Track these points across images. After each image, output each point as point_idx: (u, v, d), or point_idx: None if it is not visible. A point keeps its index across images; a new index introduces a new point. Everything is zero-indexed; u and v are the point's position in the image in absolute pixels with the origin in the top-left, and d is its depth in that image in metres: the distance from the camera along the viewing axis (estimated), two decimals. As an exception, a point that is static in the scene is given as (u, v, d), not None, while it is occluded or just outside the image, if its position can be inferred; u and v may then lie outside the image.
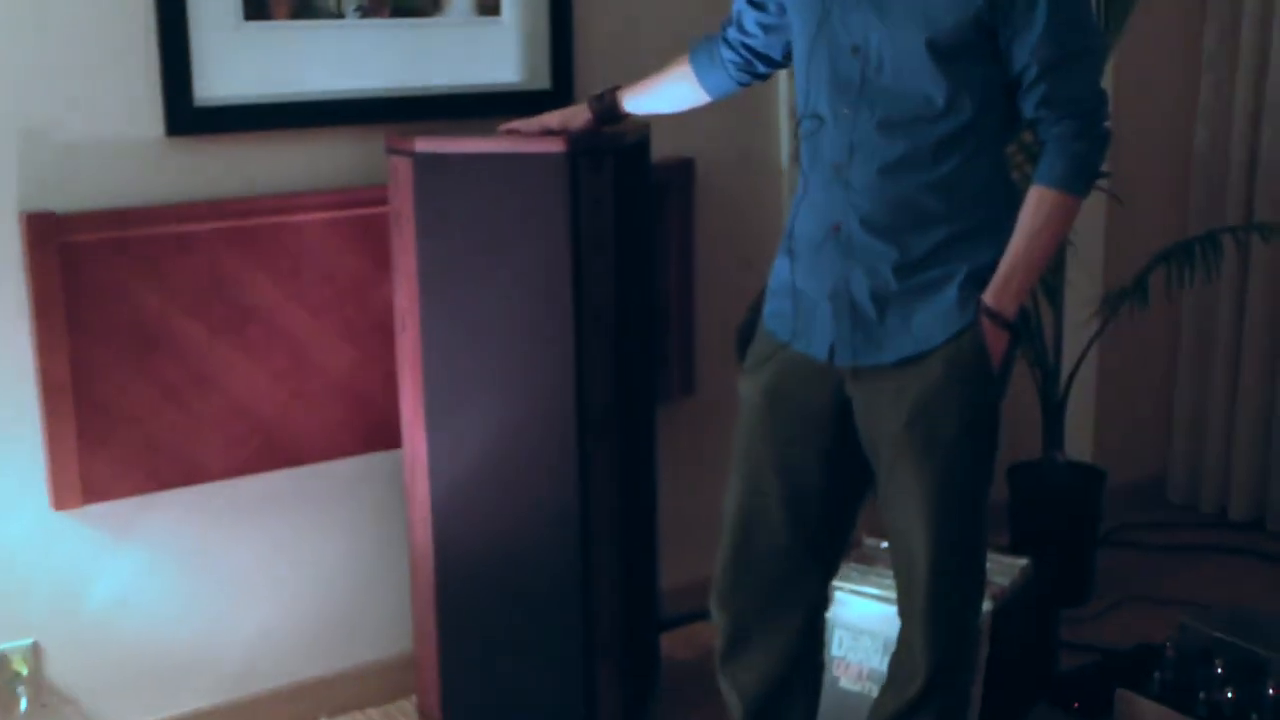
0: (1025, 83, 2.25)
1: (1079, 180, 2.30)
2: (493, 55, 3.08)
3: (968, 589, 2.47)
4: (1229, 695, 2.86)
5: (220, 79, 2.77)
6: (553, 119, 2.76)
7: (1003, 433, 2.46)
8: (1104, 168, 2.46)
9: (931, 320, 2.31)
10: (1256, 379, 4.06)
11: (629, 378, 2.89)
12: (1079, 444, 4.07)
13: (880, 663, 2.80)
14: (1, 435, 2.65)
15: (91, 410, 2.68)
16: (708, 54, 2.62)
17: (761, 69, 2.58)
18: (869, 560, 2.99)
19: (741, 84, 2.65)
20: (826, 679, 2.72)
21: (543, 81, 3.12)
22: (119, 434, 2.72)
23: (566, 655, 2.87)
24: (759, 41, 2.53)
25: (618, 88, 2.75)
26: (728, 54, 2.59)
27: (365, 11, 2.90)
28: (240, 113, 2.80)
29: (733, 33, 2.57)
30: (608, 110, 2.74)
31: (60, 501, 2.68)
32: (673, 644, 3.31)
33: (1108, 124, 2.32)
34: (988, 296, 2.28)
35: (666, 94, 2.72)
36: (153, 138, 2.72)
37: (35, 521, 2.70)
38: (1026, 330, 3.47)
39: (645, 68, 2.90)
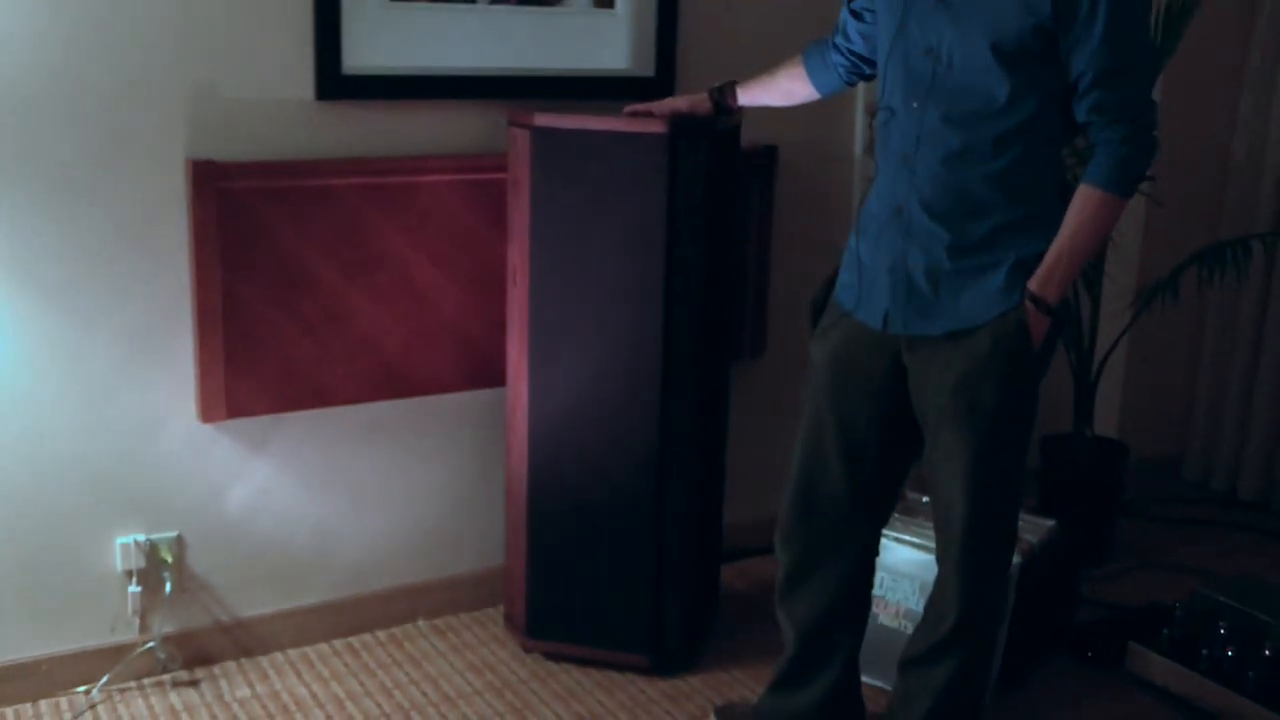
0: (1081, 89, 2.20)
1: (1124, 182, 2.25)
2: (606, 44, 3.06)
3: (999, 545, 2.44)
4: (1229, 654, 2.83)
5: (365, 51, 2.77)
6: (680, 103, 2.74)
7: (1040, 408, 2.42)
8: (1149, 172, 2.41)
9: (979, 299, 2.28)
10: (1272, 373, 4.01)
11: (709, 336, 2.86)
12: (1106, 421, 4.02)
13: (917, 604, 2.81)
14: (158, 355, 2.68)
15: (237, 337, 2.70)
16: (820, 57, 2.60)
17: (867, 70, 2.56)
18: (911, 512, 2.96)
19: (849, 84, 2.63)
20: (869, 614, 2.69)
21: (648, 69, 3.10)
22: (260, 359, 2.74)
23: (638, 579, 2.86)
24: (861, 47, 2.52)
25: (735, 82, 2.72)
26: (837, 58, 2.57)
27: None
28: (381, 82, 2.80)
29: (840, 40, 2.55)
30: (724, 101, 2.72)
31: (207, 415, 2.72)
32: (731, 576, 3.30)
33: (1156, 132, 2.26)
34: (1033, 283, 2.24)
35: (781, 90, 2.70)
36: (304, 100, 2.73)
37: (184, 430, 2.74)
38: (1067, 317, 3.42)
39: (737, 62, 2.90)
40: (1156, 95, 2.31)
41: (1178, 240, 3.86)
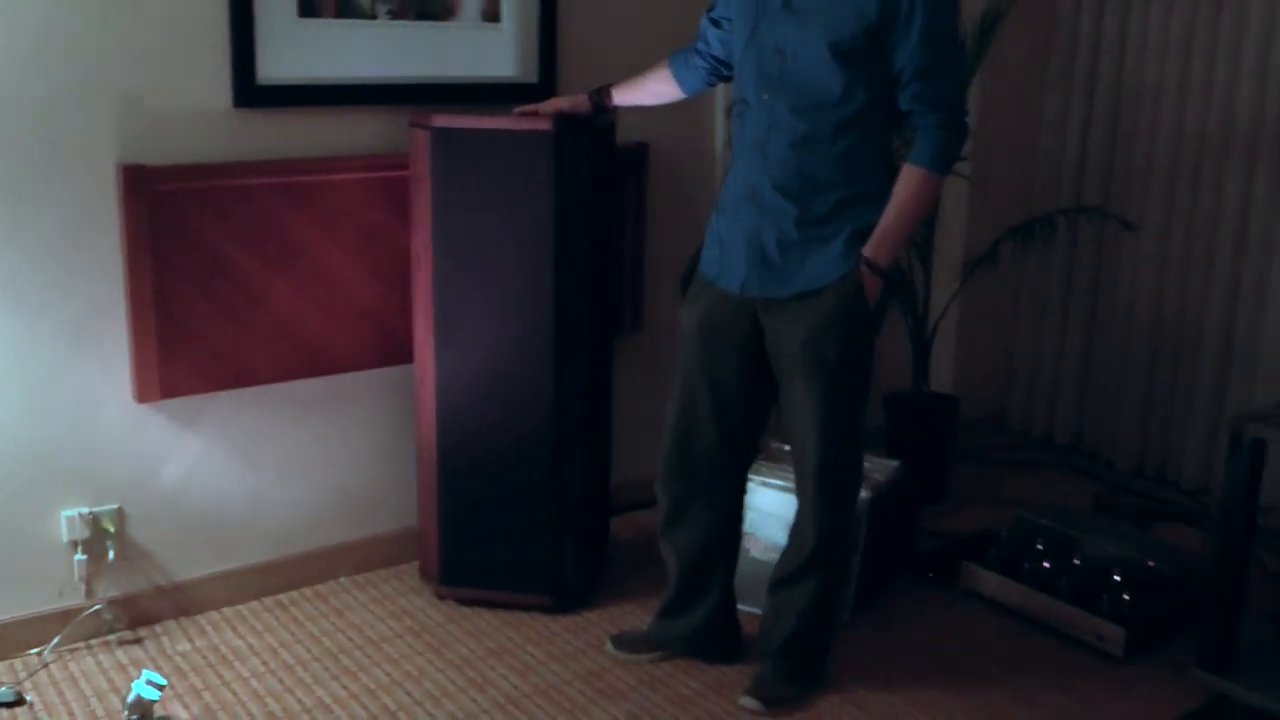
0: (903, 81, 2.33)
1: (941, 162, 2.37)
2: (493, 53, 3.08)
3: (848, 479, 2.56)
4: (1046, 566, 3.02)
5: (278, 63, 2.76)
6: (563, 103, 2.78)
7: (878, 362, 2.53)
8: (963, 154, 2.53)
9: (822, 265, 2.40)
10: (1078, 332, 4.17)
11: (594, 313, 2.91)
12: (941, 379, 4.13)
13: (782, 538, 2.80)
14: (97, 342, 2.67)
15: (168, 324, 2.69)
16: (684, 62, 2.68)
17: (724, 72, 2.63)
18: (775, 459, 3.05)
19: (710, 84, 2.70)
20: (740, 548, 2.80)
21: (531, 76, 3.13)
22: (189, 344, 2.73)
23: (538, 528, 2.90)
24: (720, 51, 2.60)
25: (610, 85, 2.78)
26: (699, 62, 2.65)
27: (394, 14, 2.90)
28: (293, 91, 2.80)
29: (701, 46, 2.63)
30: (602, 102, 2.77)
31: (142, 396, 2.71)
32: (619, 527, 3.38)
33: (967, 119, 2.39)
34: (867, 250, 2.37)
35: (650, 92, 2.76)
36: (223, 108, 2.73)
37: (121, 411, 2.73)
38: (901, 283, 3.52)
39: (611, 67, 2.94)
40: (974, 94, 2.46)
41: (995, 217, 3.99)
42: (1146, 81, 3.90)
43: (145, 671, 2.43)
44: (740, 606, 2.81)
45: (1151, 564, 2.99)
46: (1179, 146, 3.84)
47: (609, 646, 2.81)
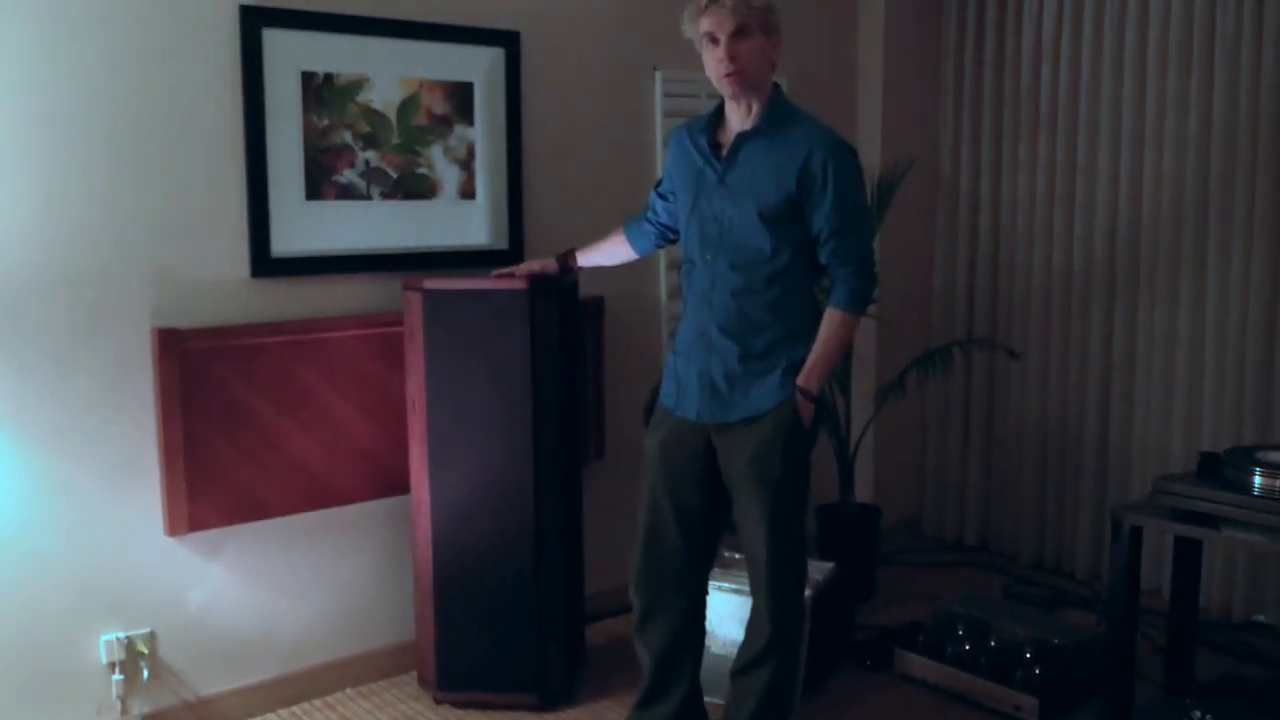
0: (821, 239, 2.48)
1: (856, 304, 2.51)
2: (470, 225, 3.23)
3: (794, 576, 2.61)
4: (966, 647, 3.12)
5: (288, 239, 2.91)
6: (535, 266, 2.91)
7: (812, 476, 2.60)
8: (875, 297, 2.64)
9: (763, 394, 2.50)
10: (978, 446, 4.29)
11: (565, 443, 3.01)
12: (863, 491, 4.23)
13: (738, 635, 2.80)
14: (132, 483, 2.74)
15: (195, 466, 2.77)
16: (636, 228, 2.83)
17: (671, 236, 2.78)
18: (728, 566, 3.14)
19: (659, 246, 2.84)
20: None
21: (503, 243, 3.29)
22: (213, 482, 2.81)
23: (524, 635, 2.96)
24: (667, 219, 2.76)
25: (574, 249, 2.92)
26: (649, 228, 2.80)
27: (385, 195, 3.05)
28: (301, 262, 2.94)
29: (650, 215, 2.79)
30: (567, 263, 2.91)
31: (172, 530, 2.78)
32: (593, 634, 3.41)
33: (875, 269, 2.54)
34: (800, 379, 2.49)
35: (608, 253, 2.89)
36: (242, 277, 2.86)
37: (153, 544, 2.79)
38: (827, 409, 3.54)
39: (570, 234, 3.09)
40: (878, 245, 2.59)
41: (901, 351, 4.16)
42: (1018, 229, 4.14)
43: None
44: (706, 699, 2.82)
45: (1057, 641, 3.08)
46: (1049, 283, 4.07)
47: (591, 738, 2.82)
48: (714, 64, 2.48)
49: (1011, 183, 4.17)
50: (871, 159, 3.97)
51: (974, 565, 4.20)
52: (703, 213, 2.55)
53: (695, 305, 2.60)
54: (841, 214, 2.47)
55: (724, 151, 2.54)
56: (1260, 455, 2.66)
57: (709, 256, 2.55)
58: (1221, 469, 2.68)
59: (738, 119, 2.54)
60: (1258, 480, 2.56)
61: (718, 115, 2.60)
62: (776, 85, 2.56)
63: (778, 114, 2.52)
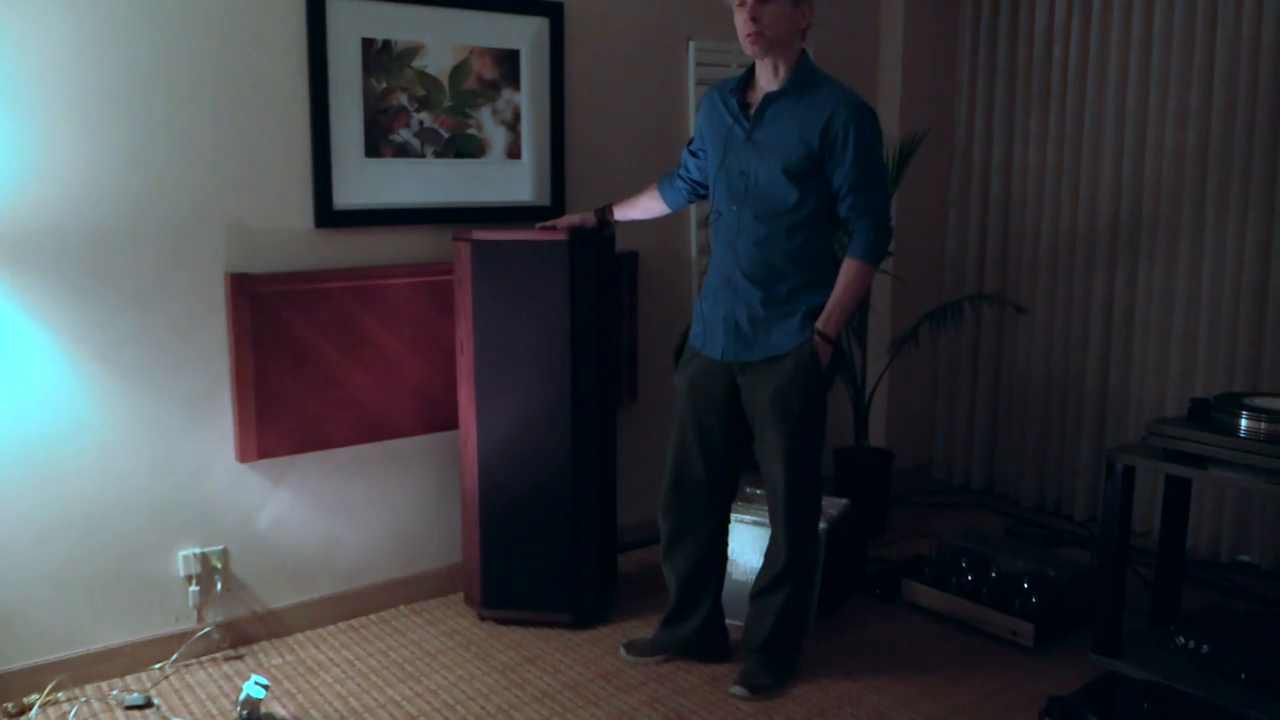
0: (840, 194, 2.52)
1: (873, 255, 2.54)
2: (516, 183, 3.24)
3: (811, 508, 2.68)
4: (969, 579, 3.15)
5: (349, 193, 2.94)
6: (575, 219, 2.93)
7: (829, 421, 2.62)
8: (890, 249, 2.70)
9: (783, 335, 2.55)
10: (985, 396, 4.29)
11: (601, 385, 3.02)
12: (877, 435, 4.27)
13: (758, 563, 2.94)
14: (207, 414, 2.80)
15: (264, 399, 2.83)
16: (669, 184, 2.86)
17: (701, 192, 2.81)
18: (749, 501, 3.16)
19: (690, 201, 2.87)
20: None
21: (546, 200, 3.30)
22: (281, 415, 2.86)
23: (561, 558, 2.99)
24: (698, 175, 2.79)
25: (610, 204, 2.96)
26: (681, 184, 2.83)
27: (438, 154, 3.08)
28: (361, 214, 2.96)
29: (682, 172, 2.82)
30: (605, 217, 2.94)
31: (243, 457, 2.84)
32: (623, 562, 3.44)
33: (891, 224, 2.57)
34: (819, 323, 2.53)
35: (642, 208, 2.93)
36: (307, 228, 2.89)
37: (226, 469, 2.85)
38: (843, 355, 3.54)
39: (608, 191, 3.10)
40: (894, 208, 2.59)
41: (915, 305, 4.17)
42: (1028, 195, 4.12)
43: (254, 675, 2.57)
44: (726, 620, 2.91)
45: (1052, 574, 3.11)
46: (1056, 245, 4.05)
47: (622, 651, 2.90)
48: (740, 25, 2.51)
49: (1022, 152, 4.15)
50: (891, 128, 3.96)
51: (979, 507, 4.20)
52: (730, 167, 2.58)
53: (721, 253, 2.63)
54: (861, 170, 2.50)
55: (752, 111, 2.57)
56: (1247, 400, 2.67)
57: (735, 208, 2.58)
58: (1211, 413, 2.69)
59: (766, 80, 2.57)
60: (1244, 423, 2.57)
61: (748, 77, 2.62)
62: (804, 51, 2.57)
63: (804, 77, 2.54)
